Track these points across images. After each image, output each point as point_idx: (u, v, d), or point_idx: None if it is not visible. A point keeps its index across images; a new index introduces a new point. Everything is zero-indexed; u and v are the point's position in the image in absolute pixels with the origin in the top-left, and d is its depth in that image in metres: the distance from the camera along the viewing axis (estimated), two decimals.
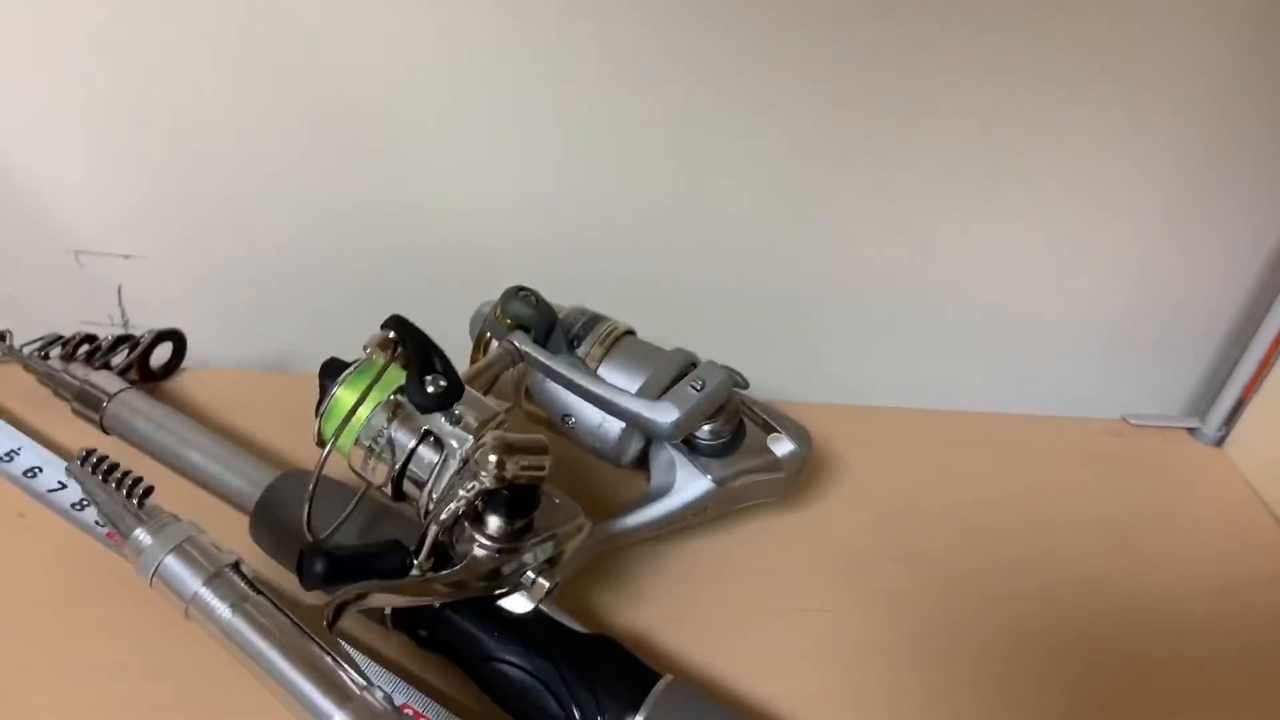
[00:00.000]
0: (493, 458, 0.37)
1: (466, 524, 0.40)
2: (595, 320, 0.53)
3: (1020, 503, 0.59)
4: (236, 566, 0.37)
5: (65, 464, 0.49)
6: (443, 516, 0.38)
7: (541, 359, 0.48)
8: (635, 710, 0.39)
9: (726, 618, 0.49)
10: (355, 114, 0.60)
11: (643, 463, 0.51)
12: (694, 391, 0.47)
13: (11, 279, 0.65)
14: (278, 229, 0.64)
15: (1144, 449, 0.65)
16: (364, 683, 0.35)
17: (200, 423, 0.52)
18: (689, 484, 0.49)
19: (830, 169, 0.64)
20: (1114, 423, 0.68)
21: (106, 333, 0.57)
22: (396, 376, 0.41)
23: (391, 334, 0.41)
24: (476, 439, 0.39)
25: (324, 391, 0.42)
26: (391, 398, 0.41)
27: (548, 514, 0.41)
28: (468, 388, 0.41)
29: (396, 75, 0.59)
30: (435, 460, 0.40)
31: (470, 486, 0.38)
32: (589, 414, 0.49)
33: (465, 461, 0.39)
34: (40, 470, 0.51)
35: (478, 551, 0.39)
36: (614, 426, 0.49)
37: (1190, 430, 0.68)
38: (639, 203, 0.66)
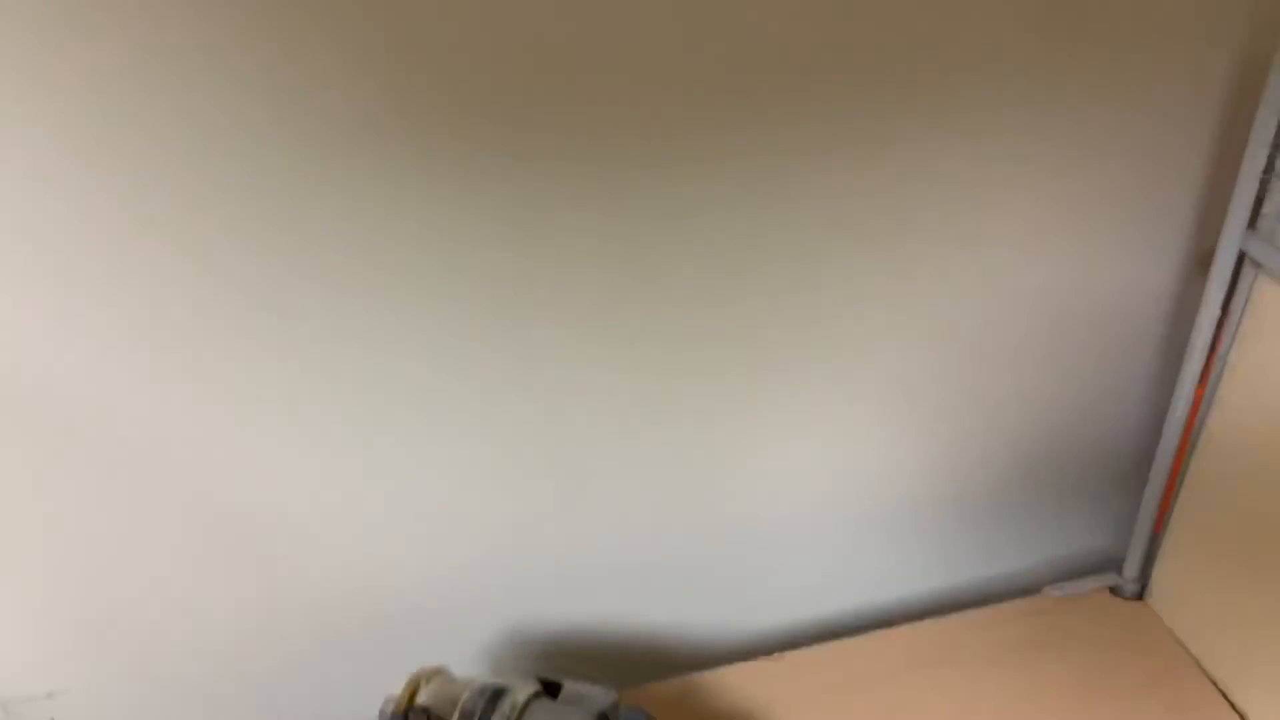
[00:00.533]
0: None
1: None
2: (495, 699, 0.54)
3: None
4: None
5: None
6: None
7: None
8: None
9: None
10: (236, 524, 0.64)
11: None
12: None
13: None
14: (189, 639, 0.67)
15: (1067, 622, 0.66)
16: None
17: None
18: None
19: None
20: (1037, 601, 0.68)
21: None
22: None
23: None
24: None
25: None
26: None
27: None
28: None
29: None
30: None
31: None
32: None
33: None
34: None
35: None
36: None
37: (1111, 590, 0.69)
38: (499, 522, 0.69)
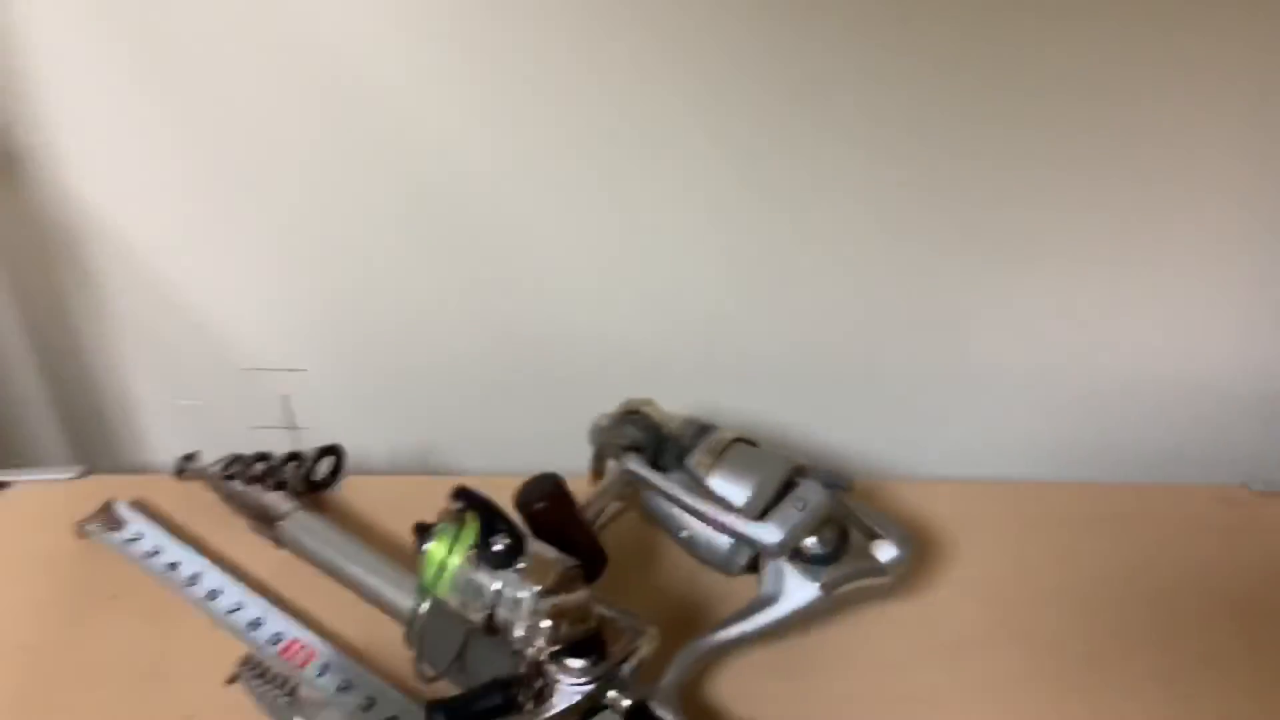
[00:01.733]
0: (547, 625, 0.43)
1: (551, 667, 0.45)
2: (704, 431, 0.57)
3: (1136, 581, 0.59)
4: None
5: (240, 585, 0.58)
6: (524, 670, 0.45)
7: (654, 481, 0.53)
8: None
9: (839, 712, 0.52)
10: (497, 235, 0.68)
11: (754, 567, 0.55)
12: (797, 512, 0.51)
13: (194, 394, 0.75)
14: (421, 339, 0.73)
15: (1265, 517, 0.64)
16: None
17: (360, 536, 0.59)
18: (797, 591, 0.52)
19: (940, 243, 0.67)
20: (1234, 490, 0.66)
21: (277, 444, 0.64)
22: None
23: (459, 502, 0.48)
24: (543, 591, 0.44)
25: (419, 549, 0.49)
26: (471, 551, 0.47)
27: (618, 638, 0.47)
28: (532, 541, 0.46)
29: (522, 208, 0.66)
30: (511, 608, 0.45)
31: (537, 646, 0.44)
32: (700, 529, 0.53)
33: (534, 613, 0.44)
34: (220, 592, 0.58)
35: (565, 690, 0.45)
36: (723, 541, 0.53)
37: None
38: (746, 285, 0.70)
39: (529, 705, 0.45)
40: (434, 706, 0.45)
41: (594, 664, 0.46)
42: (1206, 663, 0.54)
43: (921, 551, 0.59)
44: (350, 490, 0.66)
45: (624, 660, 0.47)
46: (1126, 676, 0.53)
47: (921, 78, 0.61)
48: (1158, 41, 0.58)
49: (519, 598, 0.45)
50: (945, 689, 0.53)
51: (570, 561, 0.47)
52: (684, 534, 0.54)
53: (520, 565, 0.46)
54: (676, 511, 0.54)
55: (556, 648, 0.44)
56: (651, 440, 0.54)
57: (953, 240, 0.66)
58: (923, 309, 0.69)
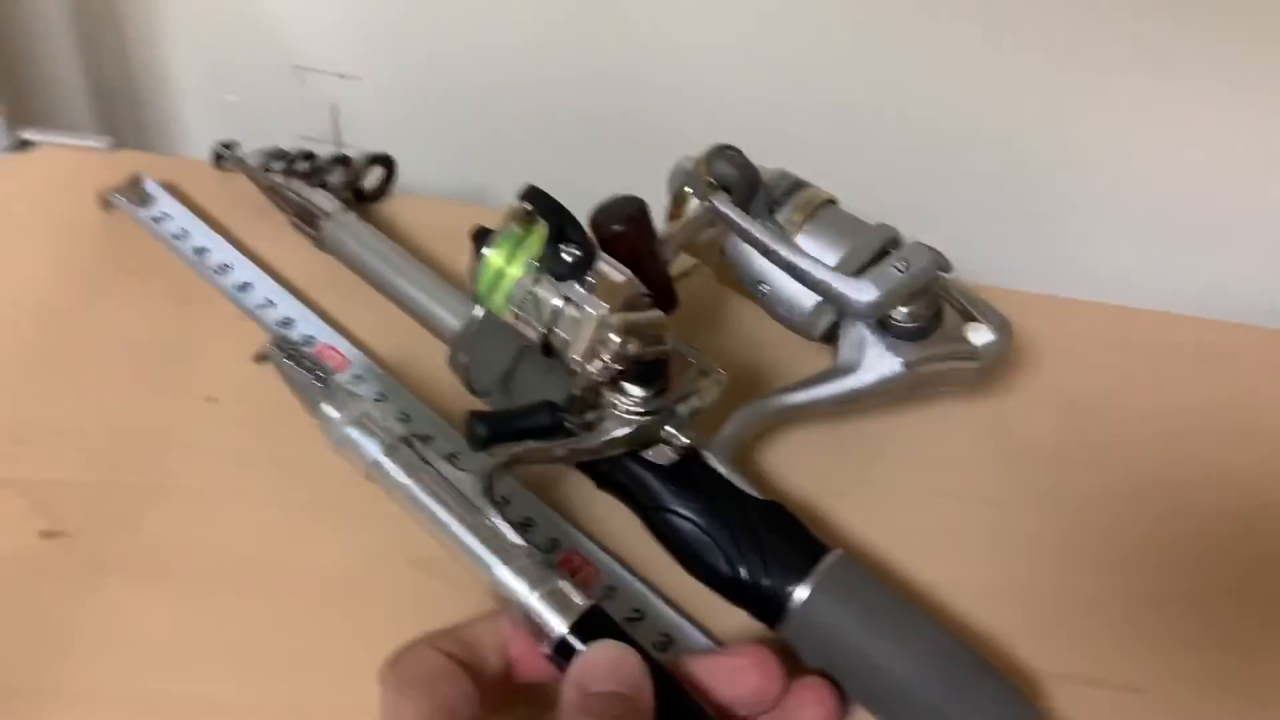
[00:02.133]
0: (615, 338, 0.38)
1: (607, 391, 0.42)
2: (797, 186, 0.51)
3: (1227, 416, 0.55)
4: (409, 441, 0.40)
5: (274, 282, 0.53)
6: (577, 392, 0.41)
7: (742, 223, 0.47)
8: (802, 578, 0.40)
9: (897, 500, 0.49)
10: None
11: (832, 337, 0.50)
12: (897, 272, 0.46)
13: (235, 89, 0.68)
14: (489, 64, 0.65)
15: None
16: (520, 542, 0.38)
17: (407, 249, 0.54)
18: (878, 364, 0.48)
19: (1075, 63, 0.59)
20: None
21: (323, 150, 0.59)
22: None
23: (528, 205, 0.42)
24: (610, 306, 0.40)
25: (476, 255, 0.43)
26: (533, 262, 0.42)
27: (683, 372, 0.44)
28: (602, 254, 0.42)
29: None
30: (571, 326, 0.41)
31: (598, 365, 0.39)
32: (784, 284, 0.48)
33: (601, 326, 0.40)
34: (251, 286, 0.54)
35: (619, 417, 0.42)
36: (808, 299, 0.48)
37: None
38: (860, 64, 0.63)
39: (577, 430, 0.42)
40: (476, 417, 0.41)
41: (654, 394, 0.42)
42: None
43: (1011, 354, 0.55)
44: (399, 206, 0.61)
45: (686, 397, 0.43)
46: (1200, 507, 0.50)
47: None
48: None
49: (584, 315, 0.40)
50: (1009, 495, 0.50)
51: (641, 286, 0.42)
52: (765, 289, 0.49)
53: (589, 280, 0.41)
54: (759, 263, 0.48)
55: (619, 368, 0.40)
56: (744, 181, 0.48)
57: (1105, 41, 0.59)
58: (1053, 108, 0.62)
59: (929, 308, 0.48)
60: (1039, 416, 0.54)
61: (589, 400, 0.43)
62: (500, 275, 0.42)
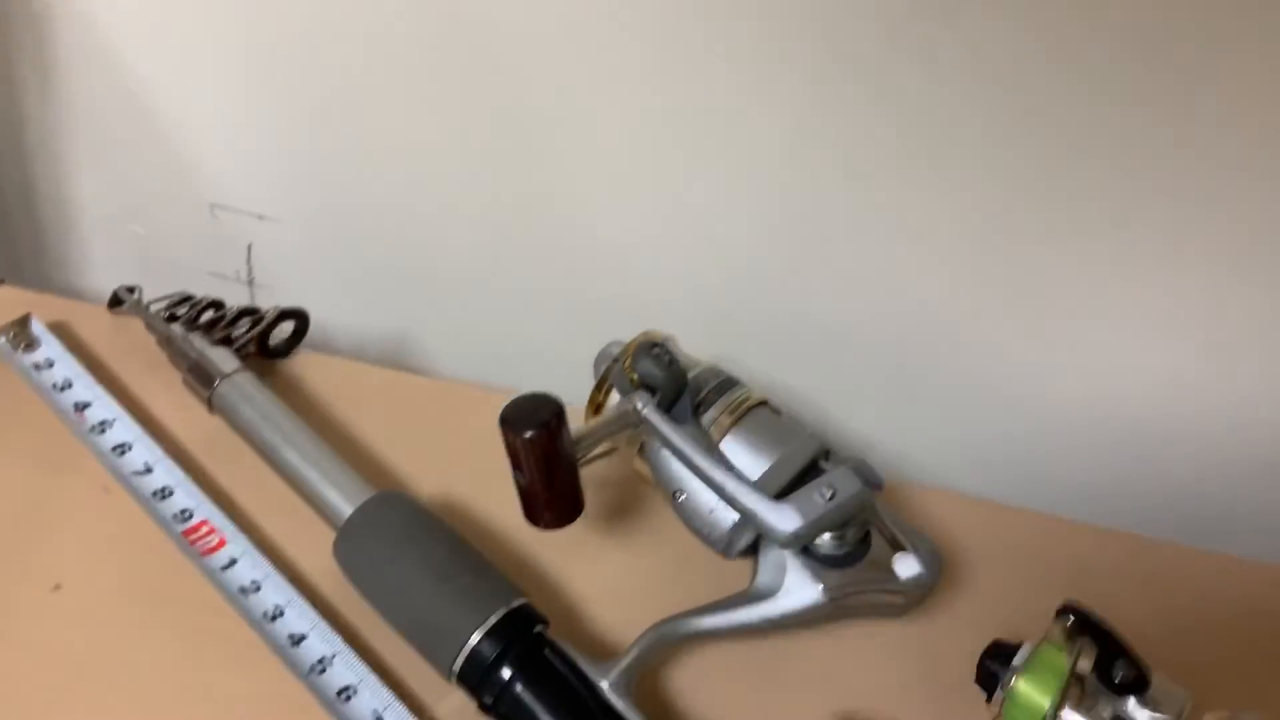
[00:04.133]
0: None
1: None
2: (727, 385, 0.49)
3: (1176, 652, 0.52)
4: None
5: (155, 446, 0.49)
6: None
7: (663, 430, 0.44)
8: None
9: None
10: (509, 108, 0.57)
11: (751, 551, 0.47)
12: (821, 500, 0.43)
13: (147, 222, 0.65)
14: (413, 212, 0.62)
15: None
16: None
17: (305, 418, 0.50)
18: (797, 590, 0.44)
19: (1018, 227, 0.58)
20: None
21: (239, 291, 0.55)
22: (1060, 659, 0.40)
23: (1071, 621, 0.41)
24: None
25: (993, 678, 0.42)
26: (1070, 683, 0.39)
27: None
28: (1155, 674, 0.40)
29: (558, 74, 0.56)
30: None
31: None
32: (702, 496, 0.45)
33: None
34: (129, 448, 0.50)
35: None
36: (727, 516, 0.45)
37: None
38: (798, 236, 0.61)
39: None
40: None
41: None
42: None
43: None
44: (307, 364, 0.57)
45: None
46: None
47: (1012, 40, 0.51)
48: None
49: None
50: None
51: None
52: (681, 498, 0.46)
53: (1149, 699, 0.39)
54: (678, 469, 0.45)
55: None
56: (669, 381, 0.46)
57: (1036, 228, 0.57)
58: (982, 302, 0.61)
59: (856, 534, 0.45)
60: (973, 642, 0.50)
61: None
62: (1029, 702, 0.39)
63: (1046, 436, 0.64)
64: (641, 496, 0.54)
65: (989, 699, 0.42)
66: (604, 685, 0.41)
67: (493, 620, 0.41)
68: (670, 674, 0.46)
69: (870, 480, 0.48)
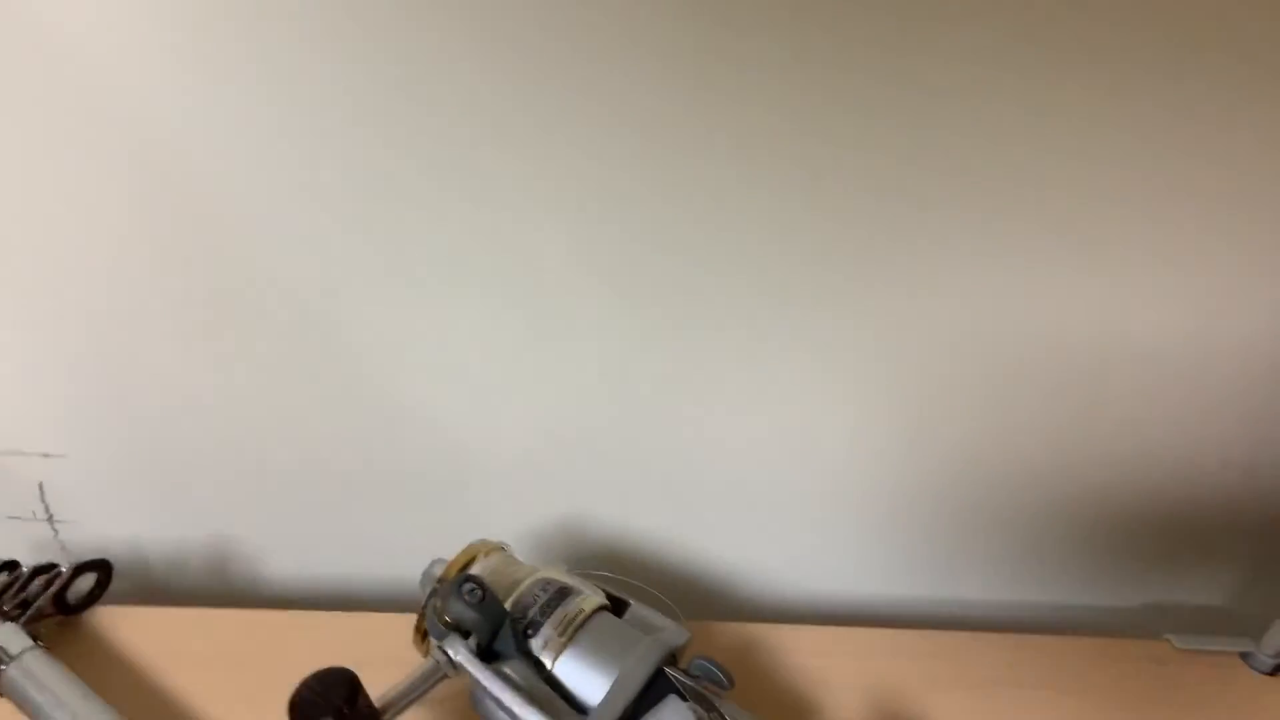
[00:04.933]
0: None
1: None
2: (560, 597, 0.46)
3: None
4: None
5: None
6: None
7: (477, 677, 0.41)
8: None
9: None
10: (295, 313, 0.55)
11: None
12: None
13: None
14: (201, 431, 0.58)
15: (1190, 679, 0.57)
16: None
17: (110, 681, 0.46)
18: None
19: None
20: (1159, 646, 0.59)
21: (34, 546, 0.51)
22: None
23: None
24: None
25: None
26: None
27: None
28: None
29: (317, 270, 0.53)
30: None
31: None
32: None
33: None
34: None
35: None
36: None
37: (1242, 655, 0.59)
38: (616, 394, 0.58)
39: None
40: None
41: None
42: None
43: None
44: (111, 619, 0.53)
45: None
46: None
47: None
48: None
49: None
50: None
51: None
52: None
53: None
54: (503, 716, 0.42)
55: None
56: (485, 621, 0.42)
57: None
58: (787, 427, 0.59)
59: None
60: None
61: None
62: None
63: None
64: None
65: None
66: None
67: None
68: None
69: (716, 681, 0.45)
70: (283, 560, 0.62)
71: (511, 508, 0.59)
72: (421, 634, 0.47)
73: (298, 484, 0.60)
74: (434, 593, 0.45)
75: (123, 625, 0.52)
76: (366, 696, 0.38)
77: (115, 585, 0.54)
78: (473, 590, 0.43)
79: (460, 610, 0.42)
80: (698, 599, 0.64)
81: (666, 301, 0.54)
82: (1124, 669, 0.57)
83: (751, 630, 0.58)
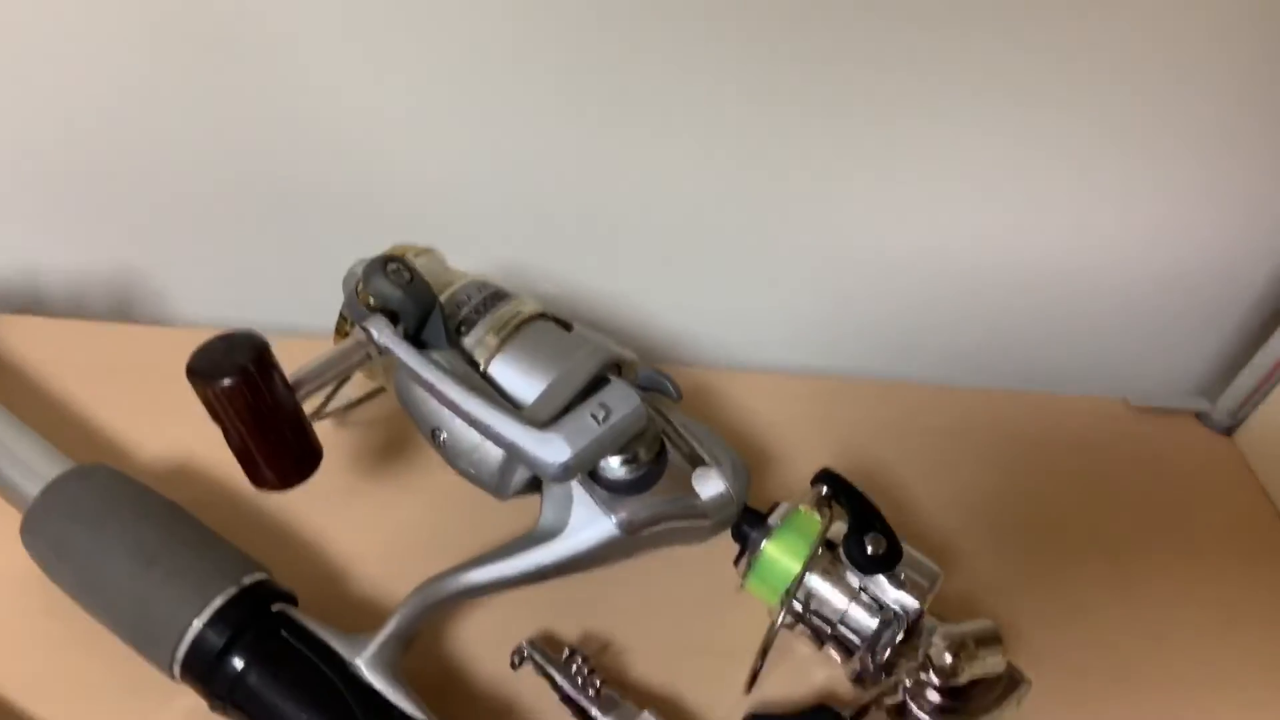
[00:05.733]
0: (947, 658, 0.35)
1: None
2: (495, 299, 0.42)
3: (1004, 497, 0.50)
4: None
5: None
6: (887, 701, 0.37)
7: (404, 358, 0.37)
8: None
9: (637, 664, 0.40)
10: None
11: (535, 486, 0.41)
12: (594, 423, 0.37)
13: None
14: (127, 137, 0.52)
15: (1145, 435, 0.56)
16: None
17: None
18: (587, 526, 0.39)
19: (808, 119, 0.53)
20: (1114, 404, 0.58)
21: None
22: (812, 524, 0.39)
23: (824, 490, 0.40)
24: (922, 604, 0.37)
25: (744, 540, 0.40)
26: (822, 552, 0.38)
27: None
28: (906, 546, 0.38)
29: None
30: (869, 623, 0.38)
31: (920, 678, 0.36)
32: (464, 433, 0.39)
33: (909, 632, 0.37)
34: None
35: None
36: (493, 454, 0.39)
37: (1198, 415, 0.59)
38: (556, 126, 0.53)
39: None
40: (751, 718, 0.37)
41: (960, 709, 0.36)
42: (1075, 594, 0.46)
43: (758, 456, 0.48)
44: (15, 331, 0.48)
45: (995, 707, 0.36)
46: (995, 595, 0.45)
47: None
48: None
49: (893, 614, 0.37)
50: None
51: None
52: (442, 436, 0.40)
53: (900, 574, 0.37)
54: (434, 405, 0.38)
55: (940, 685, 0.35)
56: (412, 302, 0.38)
57: (815, 96, 0.52)
58: (773, 175, 0.55)
59: (649, 452, 0.40)
60: None
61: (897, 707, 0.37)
62: (777, 566, 0.38)
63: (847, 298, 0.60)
64: (415, 437, 0.48)
65: (737, 562, 0.40)
66: (359, 663, 0.35)
67: (217, 603, 0.35)
68: (459, 629, 0.40)
69: (660, 388, 0.42)
70: (190, 299, 0.57)
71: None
72: (344, 334, 0.43)
73: (214, 215, 0.54)
74: (351, 288, 0.41)
75: (19, 337, 0.48)
76: (279, 367, 0.34)
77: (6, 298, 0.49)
78: (398, 270, 0.39)
79: (385, 288, 0.38)
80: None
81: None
82: (1080, 423, 0.56)
83: (702, 375, 0.55)
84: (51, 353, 0.48)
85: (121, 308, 0.57)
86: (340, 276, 0.43)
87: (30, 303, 0.53)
